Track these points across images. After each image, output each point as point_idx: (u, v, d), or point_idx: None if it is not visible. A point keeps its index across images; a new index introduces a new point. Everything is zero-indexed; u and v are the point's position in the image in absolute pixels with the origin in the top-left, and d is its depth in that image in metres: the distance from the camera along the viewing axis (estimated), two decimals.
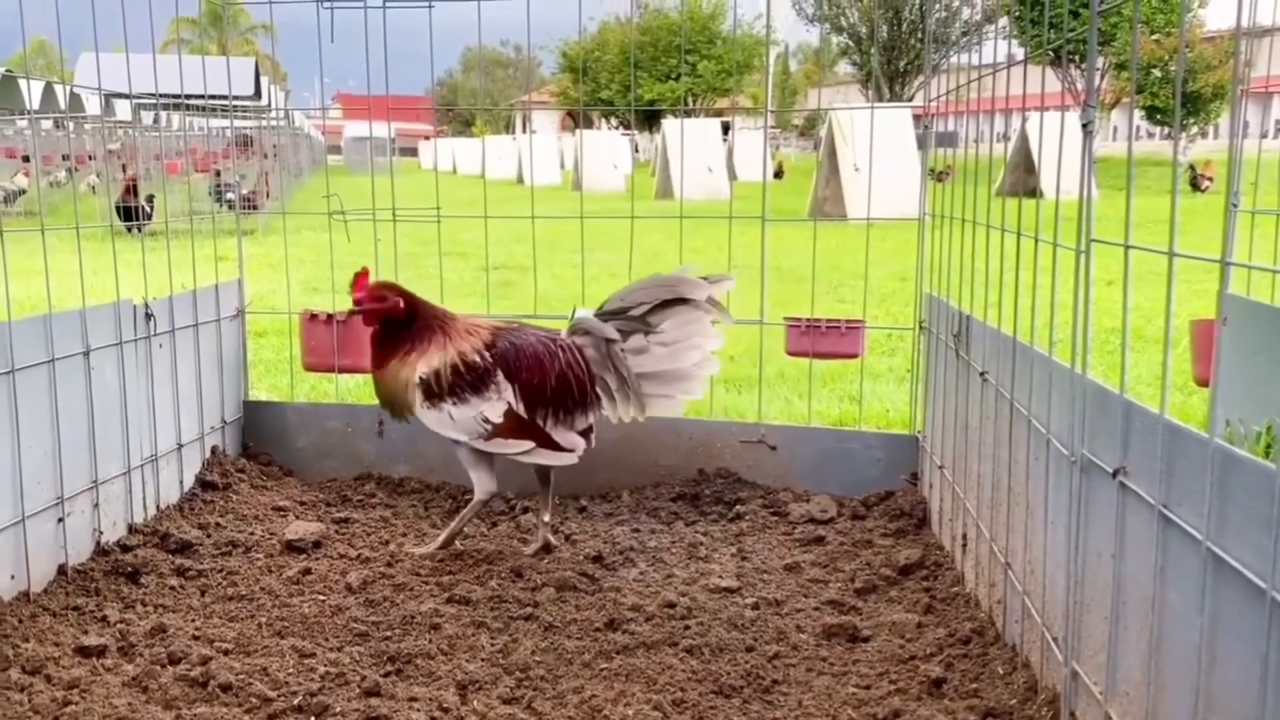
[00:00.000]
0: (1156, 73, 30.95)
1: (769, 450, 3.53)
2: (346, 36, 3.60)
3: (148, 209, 8.93)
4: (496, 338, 2.97)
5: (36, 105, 15.64)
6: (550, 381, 2.92)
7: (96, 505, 2.92)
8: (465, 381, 2.89)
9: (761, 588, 2.75)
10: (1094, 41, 1.94)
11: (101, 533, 2.94)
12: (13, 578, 2.58)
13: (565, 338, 3.01)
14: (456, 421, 2.90)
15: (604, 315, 2.99)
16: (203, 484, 3.44)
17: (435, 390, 2.90)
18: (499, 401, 2.89)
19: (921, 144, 3.64)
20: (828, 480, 3.48)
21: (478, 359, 2.91)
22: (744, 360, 5.50)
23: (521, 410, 2.90)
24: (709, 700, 2.15)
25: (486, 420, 2.89)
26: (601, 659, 2.32)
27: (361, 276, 2.98)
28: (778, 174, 27.78)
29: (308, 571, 2.82)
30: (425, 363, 2.91)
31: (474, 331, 2.98)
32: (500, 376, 2.91)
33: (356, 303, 2.96)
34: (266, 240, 10.21)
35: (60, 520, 2.76)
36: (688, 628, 2.47)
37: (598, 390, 2.95)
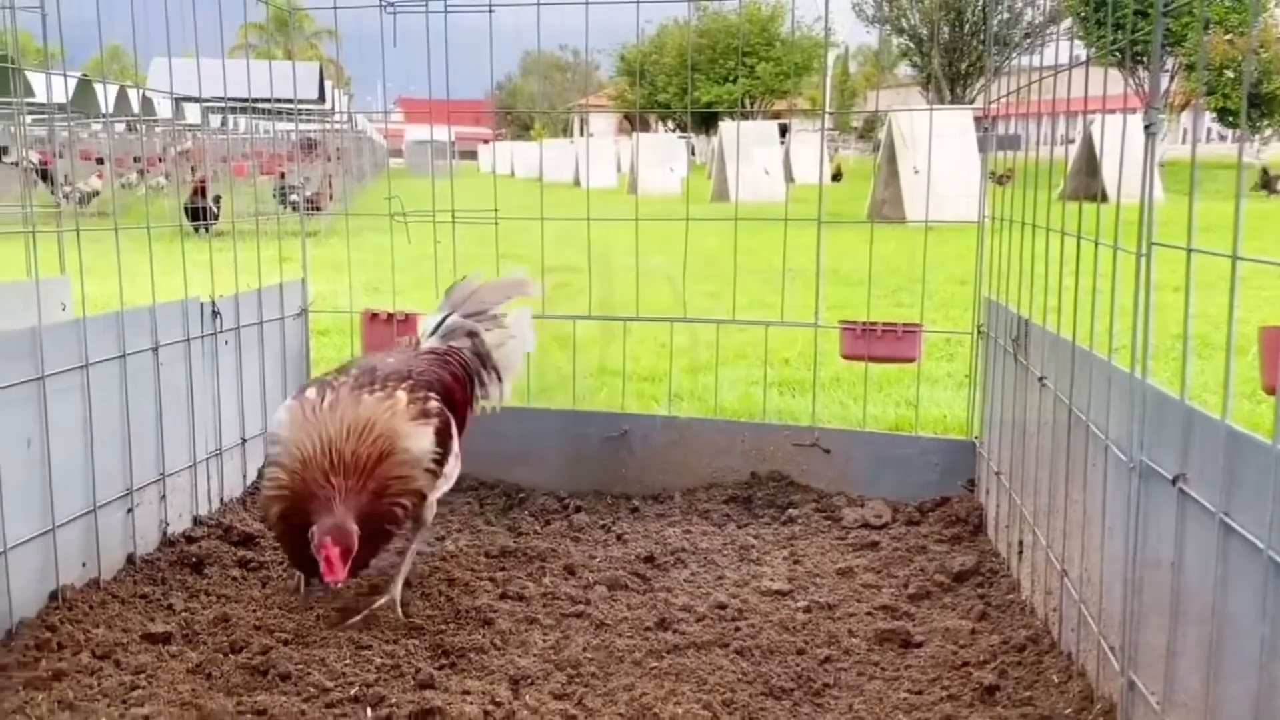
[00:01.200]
0: (1229, 74, 30.13)
1: (823, 454, 3.51)
2: (408, 42, 3.66)
3: (215, 210, 9.14)
4: (408, 384, 2.64)
5: (110, 109, 16.10)
6: (464, 391, 2.93)
7: (164, 497, 3.01)
8: (448, 436, 2.68)
9: (814, 591, 2.74)
10: (1158, 42, 1.91)
11: (168, 524, 3.02)
12: (84, 565, 2.68)
13: (444, 346, 2.97)
14: (450, 476, 2.73)
15: (468, 317, 3.08)
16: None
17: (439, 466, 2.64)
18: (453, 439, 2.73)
19: (982, 147, 3.60)
20: (882, 485, 3.45)
21: (435, 407, 2.63)
22: (798, 363, 5.48)
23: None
24: (759, 701, 2.15)
25: (456, 454, 2.75)
26: (652, 658, 2.33)
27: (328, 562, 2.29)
28: (836, 176, 27.55)
29: None
30: (420, 468, 2.53)
31: (388, 395, 2.56)
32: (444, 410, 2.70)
33: (339, 582, 2.33)
34: (329, 241, 10.37)
35: (129, 511, 2.85)
36: (738, 629, 2.47)
37: (477, 386, 3.03)
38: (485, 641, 2.38)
